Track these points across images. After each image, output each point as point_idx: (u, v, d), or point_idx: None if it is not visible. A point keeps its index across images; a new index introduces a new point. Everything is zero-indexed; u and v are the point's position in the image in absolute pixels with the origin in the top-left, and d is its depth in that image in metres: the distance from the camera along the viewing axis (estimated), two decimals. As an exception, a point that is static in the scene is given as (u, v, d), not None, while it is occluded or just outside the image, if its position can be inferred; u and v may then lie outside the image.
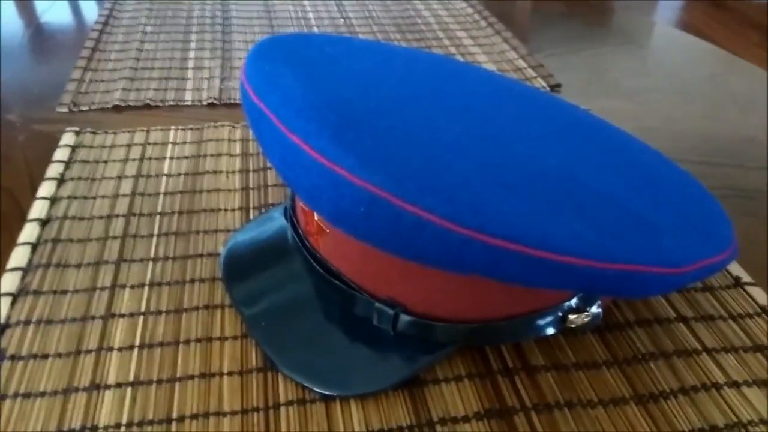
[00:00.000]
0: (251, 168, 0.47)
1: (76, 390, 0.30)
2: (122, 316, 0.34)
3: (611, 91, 0.64)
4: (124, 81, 0.59)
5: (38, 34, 0.72)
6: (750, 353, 0.34)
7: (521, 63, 0.67)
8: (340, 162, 0.25)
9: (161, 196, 0.44)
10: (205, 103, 0.57)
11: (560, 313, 0.31)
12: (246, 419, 0.29)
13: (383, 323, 0.32)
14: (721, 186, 0.49)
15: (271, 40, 0.35)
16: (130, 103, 0.56)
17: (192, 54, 0.66)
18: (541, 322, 0.31)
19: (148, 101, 0.56)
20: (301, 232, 0.35)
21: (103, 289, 0.36)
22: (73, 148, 0.49)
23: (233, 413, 0.30)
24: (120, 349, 0.32)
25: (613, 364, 0.33)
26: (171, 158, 0.48)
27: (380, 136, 0.28)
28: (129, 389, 0.31)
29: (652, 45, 0.78)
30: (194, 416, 0.29)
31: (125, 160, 0.48)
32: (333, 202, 0.26)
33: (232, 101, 0.57)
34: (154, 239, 0.40)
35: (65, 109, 0.55)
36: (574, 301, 0.31)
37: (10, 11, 0.77)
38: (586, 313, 0.31)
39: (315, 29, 0.73)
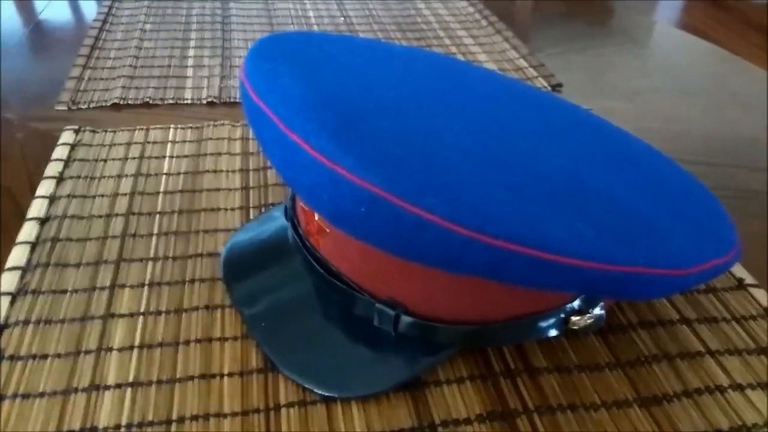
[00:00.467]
0: (251, 167, 0.47)
1: (76, 390, 0.30)
2: (122, 316, 0.34)
3: (612, 91, 0.64)
4: (124, 79, 0.59)
5: (37, 31, 0.71)
6: (754, 355, 0.33)
7: (522, 62, 0.67)
8: (340, 161, 0.25)
9: (161, 195, 0.43)
10: (204, 101, 0.57)
11: (563, 315, 0.31)
12: (246, 420, 0.29)
13: (384, 324, 0.32)
14: (723, 187, 0.49)
15: (271, 38, 0.35)
16: (130, 102, 0.56)
17: (191, 52, 0.65)
18: (544, 323, 0.31)
19: (147, 99, 0.56)
20: (301, 231, 0.35)
21: (102, 288, 0.36)
22: (72, 147, 0.48)
23: (233, 414, 0.29)
24: (120, 350, 0.32)
25: (616, 366, 0.33)
26: (171, 157, 0.48)
27: (380, 135, 0.28)
28: (129, 390, 0.30)
29: (653, 45, 0.77)
30: (194, 417, 0.29)
31: (125, 159, 0.47)
32: (333, 201, 0.26)
33: (232, 100, 0.57)
34: (154, 239, 0.40)
35: (64, 108, 0.55)
36: (576, 303, 0.31)
37: (9, 9, 0.77)
38: (588, 315, 0.31)
39: (315, 28, 0.73)
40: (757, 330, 0.35)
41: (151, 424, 0.29)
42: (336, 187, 0.25)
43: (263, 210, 0.43)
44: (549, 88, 0.62)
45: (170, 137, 0.50)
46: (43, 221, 0.41)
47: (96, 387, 0.30)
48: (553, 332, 0.31)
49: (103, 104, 0.55)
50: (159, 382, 0.31)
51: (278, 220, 0.39)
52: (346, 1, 0.81)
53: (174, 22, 0.72)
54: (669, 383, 0.32)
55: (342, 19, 0.76)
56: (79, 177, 0.45)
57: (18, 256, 0.38)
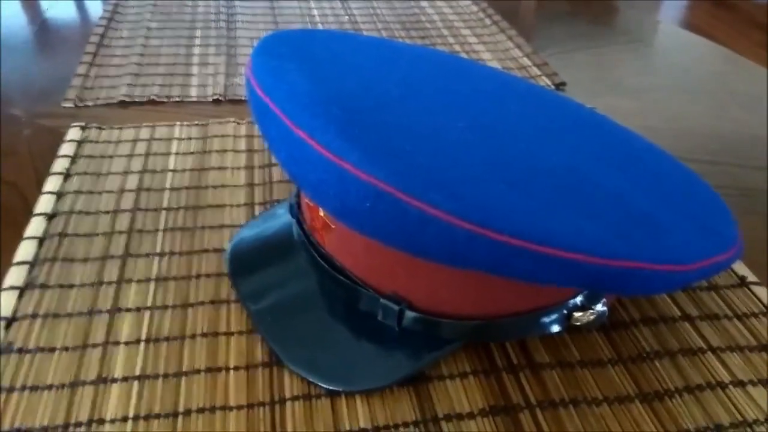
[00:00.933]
0: (256, 164, 0.47)
1: (83, 383, 0.30)
2: (128, 310, 0.35)
3: (616, 89, 0.64)
4: (129, 77, 0.59)
5: (43, 29, 0.72)
6: (755, 352, 0.34)
7: (526, 61, 0.67)
8: (346, 157, 0.26)
9: (167, 192, 0.44)
10: (210, 99, 0.57)
11: (565, 311, 0.31)
12: (252, 414, 0.30)
13: (388, 319, 0.32)
14: (725, 185, 0.49)
15: (277, 35, 0.35)
16: (136, 99, 0.56)
17: (197, 50, 0.66)
18: (546, 319, 0.31)
19: (153, 97, 0.56)
20: (306, 227, 0.35)
21: (109, 283, 0.36)
22: (79, 143, 0.49)
23: (239, 408, 0.30)
24: (126, 343, 0.33)
25: (618, 362, 0.33)
26: (176, 154, 0.48)
27: (385, 131, 0.28)
28: (135, 383, 0.31)
29: (656, 44, 0.78)
30: (200, 410, 0.30)
31: (131, 156, 0.48)
32: (338, 196, 0.26)
33: (237, 98, 0.57)
34: (160, 234, 0.40)
35: (70, 105, 0.55)
36: (579, 299, 0.31)
37: (15, 7, 0.78)
38: (591, 311, 0.31)
39: (320, 26, 0.73)
40: (759, 327, 0.35)
41: (157, 416, 0.29)
42: (341, 182, 0.25)
43: (268, 207, 0.43)
44: (552, 87, 0.62)
45: (176, 134, 0.51)
46: (50, 217, 0.41)
47: (103, 380, 0.31)
48: (555, 328, 0.32)
49: (110, 101, 0.56)
50: (165, 375, 0.31)
51: (283, 216, 0.39)
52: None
53: (179, 20, 0.73)
54: (670, 379, 0.32)
55: (346, 17, 0.76)
56: (85, 173, 0.45)
57: (26, 250, 0.38)
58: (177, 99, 0.57)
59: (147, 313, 0.34)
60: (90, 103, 0.55)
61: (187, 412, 0.29)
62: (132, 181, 0.45)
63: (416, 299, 0.31)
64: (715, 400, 0.31)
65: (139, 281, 0.36)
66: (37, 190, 0.44)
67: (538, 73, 0.64)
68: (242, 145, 0.50)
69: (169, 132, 0.51)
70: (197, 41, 0.68)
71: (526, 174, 0.29)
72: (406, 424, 0.29)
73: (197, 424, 0.29)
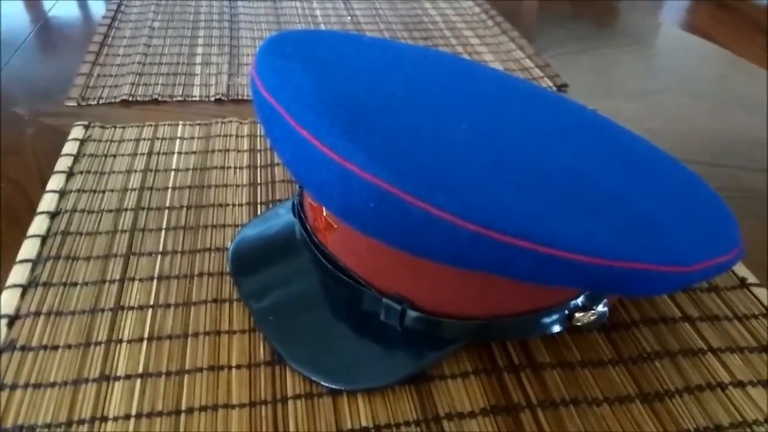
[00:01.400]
0: (259, 164, 0.48)
1: (86, 381, 0.31)
2: (131, 308, 0.35)
3: (618, 91, 0.64)
4: (132, 76, 0.59)
5: (46, 28, 0.72)
6: (755, 353, 0.34)
7: (528, 62, 0.67)
8: (351, 157, 0.26)
9: (170, 191, 0.44)
10: (212, 98, 0.57)
11: (567, 311, 0.31)
12: (254, 412, 0.30)
13: (390, 319, 0.32)
14: (727, 187, 0.49)
15: (281, 36, 0.36)
16: (138, 98, 0.56)
17: (200, 50, 0.66)
18: (548, 319, 0.31)
19: (156, 96, 0.57)
20: (309, 227, 0.35)
21: (112, 281, 0.36)
22: (82, 142, 0.49)
23: (241, 406, 0.30)
24: (129, 341, 0.33)
25: (618, 362, 0.33)
26: (179, 153, 0.48)
27: (390, 132, 0.28)
28: (138, 381, 0.31)
29: (658, 46, 0.78)
30: (203, 408, 0.30)
31: (134, 155, 0.48)
32: (342, 197, 0.26)
33: (240, 97, 0.57)
34: (163, 233, 0.40)
35: (74, 103, 0.55)
36: (580, 300, 0.31)
37: (18, 5, 0.78)
38: (592, 312, 0.31)
39: (322, 27, 0.73)
40: (759, 328, 0.35)
41: (160, 414, 0.29)
42: (346, 182, 0.26)
43: (270, 206, 0.43)
44: (555, 88, 0.62)
45: (179, 134, 0.51)
46: (53, 215, 0.41)
47: (106, 377, 0.31)
48: (556, 328, 0.32)
49: (113, 100, 0.56)
50: (168, 373, 0.31)
51: (286, 215, 0.39)
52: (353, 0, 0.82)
53: (182, 20, 0.73)
54: (671, 379, 0.32)
55: (349, 18, 0.76)
56: (88, 172, 0.46)
57: (29, 248, 0.38)
58: (180, 98, 0.57)
59: (150, 312, 0.35)
60: (93, 102, 0.55)
61: (190, 411, 0.30)
62: (135, 180, 0.45)
63: (418, 299, 0.31)
64: (715, 400, 0.31)
65: (141, 280, 0.37)
66: (41, 189, 0.44)
67: (541, 74, 0.65)
68: (245, 144, 0.50)
69: (172, 131, 0.51)
70: (200, 41, 0.68)
71: (529, 175, 0.29)
72: (407, 423, 0.30)
73: (200, 423, 0.29)
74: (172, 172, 0.46)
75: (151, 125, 0.52)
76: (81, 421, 0.29)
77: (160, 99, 0.57)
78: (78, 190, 0.44)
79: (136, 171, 0.46)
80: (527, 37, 0.74)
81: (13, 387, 0.30)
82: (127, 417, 0.29)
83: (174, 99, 0.57)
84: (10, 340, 0.32)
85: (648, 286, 0.28)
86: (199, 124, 0.52)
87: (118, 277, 0.37)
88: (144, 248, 0.39)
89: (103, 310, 0.34)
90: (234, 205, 0.43)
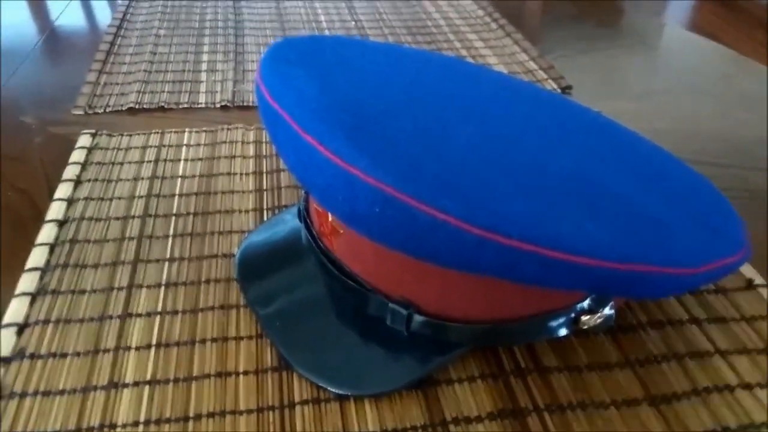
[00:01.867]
0: (265, 170, 0.48)
1: (95, 388, 0.31)
2: (139, 315, 0.35)
3: (622, 92, 0.64)
4: (139, 84, 0.60)
5: (53, 37, 0.73)
6: (762, 355, 0.34)
7: (532, 65, 0.67)
8: (355, 162, 0.26)
9: (176, 198, 0.44)
10: (218, 105, 0.57)
11: (573, 315, 0.31)
12: (262, 418, 0.30)
13: (397, 323, 0.32)
14: (732, 187, 0.49)
15: (286, 42, 0.36)
16: (145, 106, 0.57)
17: (205, 57, 0.66)
18: (554, 323, 0.31)
19: (162, 104, 0.57)
20: (314, 233, 0.35)
21: (120, 289, 0.37)
22: (89, 150, 0.49)
23: (249, 412, 0.30)
24: (137, 348, 0.33)
25: (625, 365, 0.33)
26: (186, 160, 0.49)
27: (394, 136, 0.28)
28: (146, 388, 0.31)
29: (662, 46, 0.78)
30: (211, 414, 0.30)
31: (141, 162, 0.48)
32: (348, 202, 0.26)
33: (246, 104, 0.58)
34: (170, 240, 0.40)
35: (81, 112, 0.56)
36: (587, 303, 0.31)
37: (25, 14, 0.78)
38: (598, 315, 0.31)
39: (326, 32, 0.74)
40: (766, 330, 0.35)
41: (168, 421, 0.30)
42: (350, 187, 0.26)
43: (276, 212, 0.43)
44: (559, 90, 0.62)
45: (185, 141, 0.51)
46: (61, 223, 0.41)
47: (114, 385, 0.31)
48: (563, 331, 0.32)
49: (119, 108, 0.56)
50: (176, 380, 0.31)
51: (291, 221, 0.40)
52: (356, 4, 0.82)
53: (188, 27, 0.73)
54: (678, 382, 0.32)
55: (353, 23, 0.76)
56: (96, 180, 0.46)
57: (37, 257, 0.39)
58: (186, 105, 0.57)
59: (157, 319, 0.35)
60: (100, 111, 0.56)
61: (198, 417, 0.30)
62: (142, 188, 0.45)
63: (424, 303, 0.31)
64: (722, 402, 0.31)
65: (149, 287, 0.37)
66: (48, 197, 0.44)
67: (545, 76, 0.65)
68: (250, 150, 0.50)
69: (178, 138, 0.51)
70: (205, 48, 0.68)
71: (534, 178, 0.29)
72: (414, 428, 0.30)
73: (208, 428, 0.29)
74: (179, 179, 0.46)
75: (157, 133, 0.52)
76: (90, 429, 0.29)
77: (166, 106, 0.57)
78: (86, 198, 0.44)
79: (143, 178, 0.46)
80: (531, 39, 0.74)
81: (23, 395, 0.30)
82: (136, 424, 0.29)
83: (180, 106, 0.57)
84: (19, 348, 0.33)
85: (654, 288, 0.28)
86: (205, 131, 0.52)
87: (125, 284, 0.37)
88: (151, 255, 0.39)
89: (111, 318, 0.35)
90: (240, 212, 0.43)
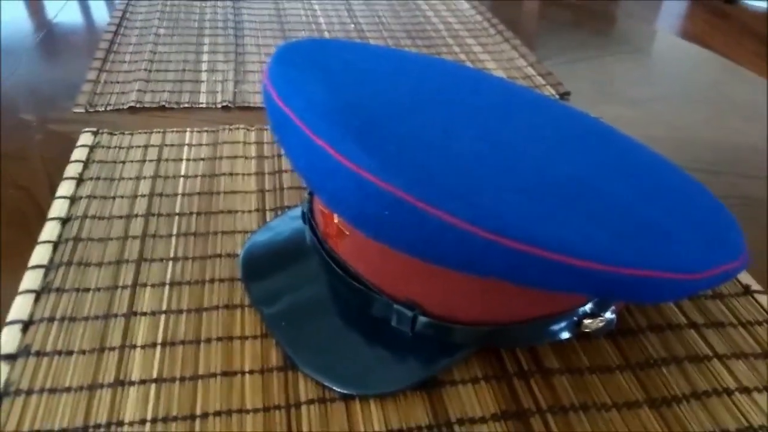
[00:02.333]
0: (266, 171, 0.48)
1: (101, 386, 0.31)
2: (144, 314, 0.35)
3: (618, 99, 0.65)
4: (139, 83, 0.60)
5: (51, 35, 0.72)
6: (760, 360, 0.34)
7: (530, 71, 0.68)
8: (366, 166, 0.26)
9: (179, 197, 0.44)
10: (219, 105, 0.57)
11: (575, 318, 0.32)
12: (268, 417, 0.30)
13: (402, 324, 0.32)
14: (727, 194, 0.50)
15: (292, 45, 0.36)
16: (146, 105, 0.57)
17: (205, 57, 0.66)
18: (557, 326, 0.32)
19: (163, 103, 0.57)
20: (319, 234, 0.36)
21: (124, 287, 0.37)
22: (91, 149, 0.49)
23: (255, 411, 0.30)
24: (143, 347, 0.33)
25: (626, 368, 0.33)
26: (188, 160, 0.49)
27: (401, 140, 0.29)
28: (153, 386, 0.31)
29: (656, 53, 0.79)
30: (217, 413, 0.30)
31: (143, 161, 0.48)
32: (357, 205, 0.27)
33: (246, 104, 0.58)
34: (174, 239, 0.41)
35: (81, 110, 0.56)
36: (589, 307, 0.32)
37: (22, 12, 0.78)
38: (600, 318, 0.32)
39: (326, 34, 0.74)
40: (763, 335, 0.36)
41: (175, 419, 0.30)
42: (361, 190, 0.26)
43: (279, 212, 0.43)
44: (557, 96, 0.63)
45: (187, 140, 0.51)
46: (64, 221, 0.41)
47: (121, 383, 0.31)
48: (565, 335, 0.32)
49: (120, 107, 0.56)
50: (182, 378, 0.32)
51: (295, 221, 0.40)
52: (356, 7, 0.82)
53: (187, 27, 0.73)
54: (677, 385, 0.33)
55: (352, 26, 0.77)
56: (98, 178, 0.46)
57: (41, 255, 0.38)
58: (187, 105, 0.57)
59: (162, 317, 0.35)
60: (101, 109, 0.56)
61: (204, 415, 0.30)
62: (145, 187, 0.45)
63: (430, 305, 0.32)
64: (721, 406, 0.32)
65: (153, 285, 0.37)
66: (50, 195, 0.44)
67: (543, 82, 0.65)
68: (252, 151, 0.50)
69: (180, 138, 0.51)
70: (205, 47, 0.68)
71: (537, 184, 0.29)
72: (419, 428, 0.30)
73: (214, 427, 0.29)
74: (181, 179, 0.46)
75: (159, 132, 0.52)
76: (97, 426, 0.29)
77: (167, 106, 0.57)
78: (88, 197, 0.44)
79: (145, 177, 0.46)
80: (528, 45, 0.74)
81: (29, 392, 0.30)
82: (143, 422, 0.29)
83: (181, 106, 0.57)
84: (24, 345, 0.33)
85: (656, 293, 0.28)
86: (207, 131, 0.53)
87: (130, 282, 0.37)
88: (155, 254, 0.39)
89: (116, 316, 0.35)
90: (243, 212, 0.43)
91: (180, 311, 0.35)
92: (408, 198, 0.25)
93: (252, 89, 0.60)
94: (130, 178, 0.46)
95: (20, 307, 0.35)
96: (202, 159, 0.49)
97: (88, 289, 0.36)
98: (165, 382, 0.31)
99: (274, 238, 0.40)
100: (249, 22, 0.76)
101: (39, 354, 0.32)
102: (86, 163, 0.47)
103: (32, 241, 0.40)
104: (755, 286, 0.39)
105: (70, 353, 0.33)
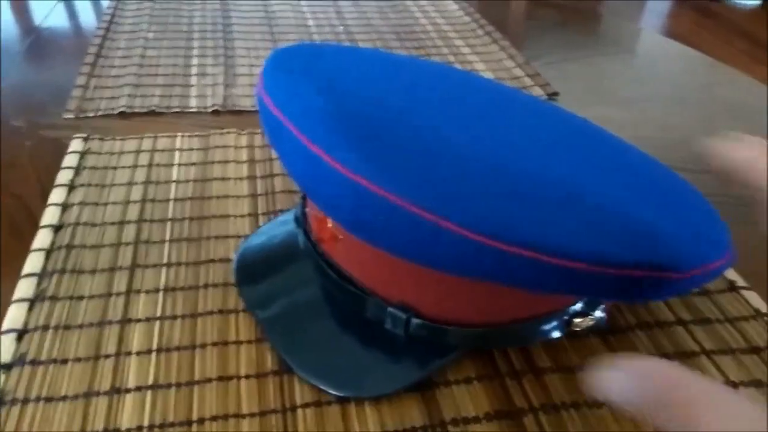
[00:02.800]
0: (258, 175, 0.48)
1: (97, 394, 0.31)
2: (138, 320, 0.35)
3: (607, 99, 0.66)
4: (129, 87, 0.60)
5: (40, 40, 0.72)
6: (746, 355, 0.35)
7: (518, 71, 0.68)
8: (361, 172, 0.26)
9: (171, 203, 0.45)
10: (209, 110, 0.58)
11: (566, 317, 0.32)
12: (264, 421, 0.30)
13: (396, 327, 0.33)
14: (715, 193, 0.50)
15: (285, 50, 0.36)
16: (136, 110, 0.57)
17: (195, 60, 0.66)
18: (548, 326, 0.32)
19: (153, 108, 0.57)
20: (312, 237, 0.36)
21: (118, 294, 0.37)
22: (82, 155, 0.49)
23: (252, 415, 0.31)
24: (138, 354, 0.33)
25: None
26: (179, 165, 0.49)
27: (396, 145, 0.29)
28: (149, 392, 0.31)
29: (642, 53, 0.79)
30: (214, 418, 0.30)
31: (134, 167, 0.48)
32: (353, 211, 0.27)
33: (237, 108, 0.58)
34: (167, 245, 0.41)
35: (71, 116, 0.55)
36: (579, 306, 0.32)
37: (8, 16, 0.78)
38: (590, 317, 0.32)
39: (315, 36, 0.74)
40: (750, 330, 0.37)
41: (172, 425, 0.30)
42: (356, 197, 0.26)
43: (272, 217, 0.44)
44: (545, 97, 0.64)
45: (177, 145, 0.51)
46: (57, 228, 0.41)
47: (117, 390, 0.31)
48: (556, 334, 0.33)
49: (110, 112, 0.56)
50: (178, 384, 0.32)
51: (288, 225, 0.40)
52: (344, 9, 0.83)
53: (176, 30, 0.73)
54: (667, 382, 0.33)
55: (341, 27, 0.77)
56: (90, 185, 0.46)
57: (34, 263, 0.39)
58: (177, 110, 0.57)
59: (157, 324, 0.35)
60: (91, 114, 0.56)
61: (201, 420, 0.30)
62: (136, 192, 0.45)
63: (423, 307, 0.32)
64: (709, 401, 0.32)
65: (147, 292, 0.37)
66: (42, 202, 0.44)
67: (531, 83, 0.66)
68: (243, 155, 0.51)
69: (170, 143, 0.51)
70: (195, 51, 0.68)
71: (529, 186, 0.30)
72: (414, 429, 0.30)
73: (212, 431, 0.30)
74: (173, 184, 0.47)
75: (149, 137, 0.52)
76: (94, 433, 0.29)
77: (157, 110, 0.57)
78: (80, 203, 0.44)
79: (136, 183, 0.46)
80: (516, 46, 0.75)
81: (25, 401, 0.31)
82: (140, 429, 0.30)
83: (171, 110, 0.57)
84: (20, 355, 0.33)
85: (648, 293, 0.29)
86: (198, 136, 0.53)
87: (123, 289, 0.37)
88: (148, 260, 0.39)
89: (110, 323, 0.35)
90: (235, 216, 0.44)
91: (174, 317, 0.36)
92: (402, 203, 0.26)
93: (242, 92, 0.60)
94: (122, 184, 0.46)
95: (14, 316, 0.35)
96: (194, 164, 0.49)
97: (81, 297, 0.36)
98: (161, 388, 0.32)
99: (267, 242, 0.40)
100: (238, 25, 0.76)
101: (34, 363, 0.32)
102: (77, 170, 0.47)
103: (25, 249, 0.40)
104: (740, 282, 0.40)
105: (65, 361, 0.33)
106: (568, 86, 0.67)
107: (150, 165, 0.49)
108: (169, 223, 0.43)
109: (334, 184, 0.27)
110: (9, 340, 0.33)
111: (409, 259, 0.27)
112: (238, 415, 0.30)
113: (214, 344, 0.34)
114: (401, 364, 0.33)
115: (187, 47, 0.69)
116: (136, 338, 0.34)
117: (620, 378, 0.19)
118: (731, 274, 0.41)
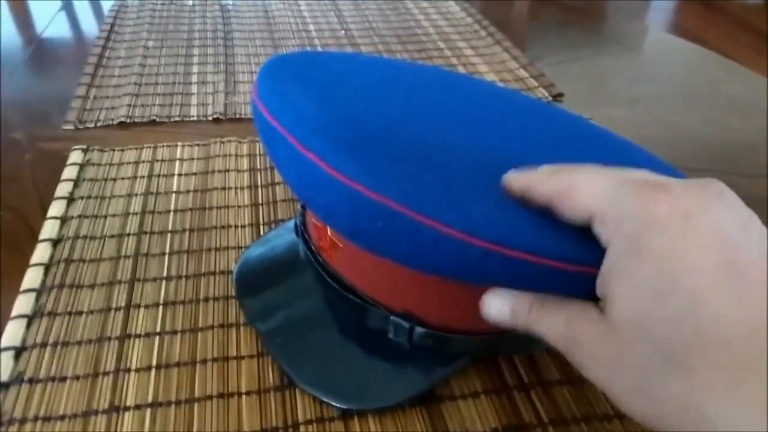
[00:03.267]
0: (260, 184, 0.48)
1: (96, 412, 0.31)
2: (138, 336, 0.35)
3: (612, 99, 0.65)
4: (129, 97, 0.59)
5: (40, 51, 0.72)
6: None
7: (522, 73, 0.68)
8: (358, 178, 0.26)
9: (172, 214, 0.44)
10: (210, 118, 0.57)
11: (572, 324, 0.31)
12: (266, 439, 0.30)
13: (399, 336, 0.32)
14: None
15: (280, 58, 0.36)
16: (136, 120, 0.56)
17: (195, 69, 0.66)
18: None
19: (153, 117, 0.57)
20: (313, 247, 0.35)
21: (118, 309, 0.36)
22: (81, 167, 0.49)
23: (253, 433, 0.30)
24: (138, 370, 0.33)
25: (627, 376, 0.33)
26: (179, 175, 0.48)
27: (393, 151, 0.28)
28: (148, 410, 0.31)
29: (647, 51, 0.78)
30: (215, 436, 0.30)
31: (134, 178, 0.48)
32: (350, 218, 0.26)
33: (238, 116, 0.57)
34: (167, 258, 0.40)
35: (71, 127, 0.55)
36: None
37: (10, 28, 0.78)
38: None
39: (316, 42, 0.73)
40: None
41: (172, 443, 0.29)
42: (354, 203, 0.26)
43: (273, 226, 0.43)
44: (550, 98, 0.63)
45: (178, 155, 0.51)
46: (55, 242, 0.41)
47: (116, 408, 0.31)
48: (563, 342, 0.32)
49: (110, 123, 0.56)
50: (178, 402, 0.31)
51: (288, 235, 0.39)
52: (346, 14, 0.82)
53: (176, 39, 0.73)
54: (680, 392, 0.32)
55: (343, 32, 0.76)
56: (89, 197, 0.45)
57: (32, 278, 0.38)
58: (177, 119, 0.57)
59: (157, 339, 0.34)
60: (90, 125, 0.55)
61: (202, 439, 0.30)
62: (136, 204, 0.45)
63: (427, 316, 0.31)
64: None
65: (147, 306, 0.37)
66: (41, 215, 0.44)
67: (535, 84, 0.65)
68: (245, 164, 0.50)
69: (171, 153, 0.51)
70: (195, 59, 0.68)
71: None
72: (419, 445, 0.30)
73: (212, 451, 0.29)
74: (173, 195, 0.46)
75: (149, 147, 0.52)
76: (93, 454, 0.29)
77: (157, 120, 0.57)
78: (79, 216, 0.43)
79: (136, 194, 0.46)
80: (520, 47, 0.74)
81: (23, 420, 0.30)
82: (139, 448, 0.29)
83: (171, 119, 0.57)
84: (17, 373, 0.32)
85: None
86: (198, 145, 0.52)
87: (123, 304, 0.37)
88: (148, 274, 0.39)
89: (109, 339, 0.34)
90: (237, 227, 0.43)
91: (175, 332, 0.35)
92: (401, 209, 0.25)
93: (243, 100, 0.60)
94: (122, 196, 0.46)
95: (12, 332, 0.34)
96: (194, 173, 0.49)
97: (81, 312, 0.36)
98: (161, 406, 0.31)
99: (267, 252, 0.39)
100: (238, 32, 0.75)
101: (32, 381, 0.32)
102: (77, 182, 0.47)
103: (24, 264, 0.39)
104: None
105: (63, 379, 0.32)
106: (573, 86, 0.66)
107: (150, 175, 0.48)
108: (169, 235, 0.42)
109: (331, 191, 0.26)
110: (7, 358, 0.33)
111: (410, 267, 0.27)
112: (240, 433, 0.30)
113: (215, 360, 0.33)
114: (406, 374, 0.32)
115: (187, 55, 0.69)
116: (135, 354, 0.34)
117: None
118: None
